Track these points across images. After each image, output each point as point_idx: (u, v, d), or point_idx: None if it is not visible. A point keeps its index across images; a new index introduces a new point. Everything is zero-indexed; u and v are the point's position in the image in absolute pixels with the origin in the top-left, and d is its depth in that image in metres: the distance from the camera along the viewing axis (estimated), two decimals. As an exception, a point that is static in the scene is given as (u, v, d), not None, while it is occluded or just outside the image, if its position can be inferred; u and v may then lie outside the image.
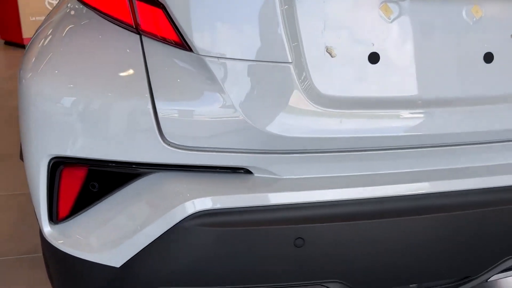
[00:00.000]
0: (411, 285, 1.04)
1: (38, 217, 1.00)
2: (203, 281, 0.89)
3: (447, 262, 1.00)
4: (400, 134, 0.93)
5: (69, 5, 1.02)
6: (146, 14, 0.86)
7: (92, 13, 0.93)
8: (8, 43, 7.68)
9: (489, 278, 1.07)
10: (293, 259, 0.88)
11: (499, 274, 1.08)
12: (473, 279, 1.05)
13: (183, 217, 0.85)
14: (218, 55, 0.85)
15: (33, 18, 7.19)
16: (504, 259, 1.03)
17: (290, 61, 0.86)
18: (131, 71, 0.87)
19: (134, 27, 0.87)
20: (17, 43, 7.39)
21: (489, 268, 1.04)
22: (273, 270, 0.89)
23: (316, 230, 0.87)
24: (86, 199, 0.95)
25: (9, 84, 4.92)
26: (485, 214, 0.97)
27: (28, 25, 7.17)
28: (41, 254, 1.77)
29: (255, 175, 0.91)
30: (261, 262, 0.88)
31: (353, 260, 0.92)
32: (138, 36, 0.88)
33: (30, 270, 1.70)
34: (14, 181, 2.43)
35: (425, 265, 0.99)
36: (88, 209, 0.95)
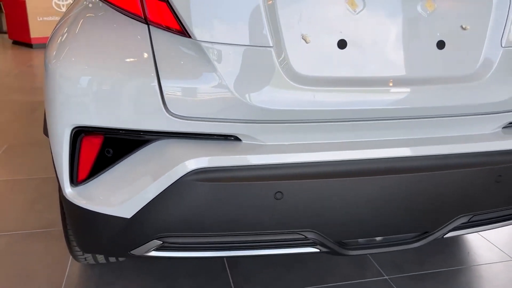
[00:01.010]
0: (377, 238, 1.21)
1: (60, 181, 1.17)
2: (198, 228, 1.07)
3: (409, 218, 1.18)
4: (364, 108, 1.11)
5: (86, 1, 1.20)
6: (153, 7, 1.04)
7: (106, 7, 1.11)
8: (16, 42, 7.90)
9: (445, 234, 1.24)
10: (273, 210, 1.05)
11: (454, 232, 1.25)
12: (431, 234, 1.23)
13: (184, 174, 1.02)
14: (212, 41, 1.03)
15: (41, 19, 7.40)
16: (456, 217, 1.20)
17: (271, 45, 1.04)
18: (140, 55, 1.05)
19: (143, 18, 1.05)
20: (25, 43, 7.60)
21: (445, 225, 1.21)
22: (257, 219, 1.07)
23: (293, 186, 1.04)
24: (102, 164, 1.13)
25: (18, 82, 5.12)
26: (439, 177, 1.14)
27: (35, 25, 7.39)
28: (55, 228, 1.96)
29: (243, 141, 1.10)
30: (247, 212, 1.05)
31: (326, 213, 1.10)
32: (146, 25, 1.06)
33: (46, 243, 1.88)
34: (31, 167, 2.62)
35: (389, 220, 1.16)
36: (103, 172, 1.13)
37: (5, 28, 8.47)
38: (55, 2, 7.50)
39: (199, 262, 1.76)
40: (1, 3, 8.69)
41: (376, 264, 1.81)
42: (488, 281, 1.76)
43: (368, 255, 1.88)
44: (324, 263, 1.79)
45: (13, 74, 5.45)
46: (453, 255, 1.90)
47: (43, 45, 7.76)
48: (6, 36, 8.37)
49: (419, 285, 1.69)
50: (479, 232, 2.08)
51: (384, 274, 1.75)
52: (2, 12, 8.84)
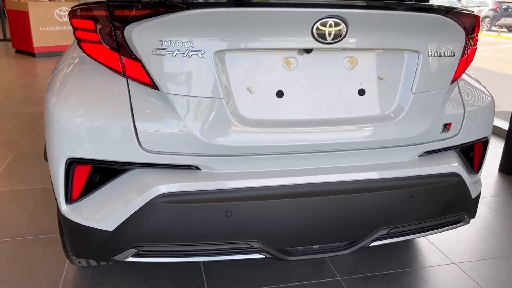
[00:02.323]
0: (314, 246, 1.48)
1: (57, 200, 1.45)
2: (166, 239, 1.35)
3: (340, 230, 1.46)
4: (299, 144, 1.40)
5: (76, 54, 1.48)
6: (129, 65, 1.32)
7: (94, 61, 1.39)
8: (19, 51, 8.19)
9: (370, 243, 1.51)
10: (225, 225, 1.33)
11: (377, 241, 1.53)
12: (359, 243, 1.50)
13: (153, 196, 1.31)
14: (175, 93, 1.31)
15: (43, 29, 7.69)
16: (378, 229, 1.48)
17: (222, 96, 1.32)
18: (120, 102, 1.33)
19: (122, 73, 1.33)
20: (28, 52, 7.89)
21: (369, 235, 1.49)
22: (212, 232, 1.35)
23: (239, 206, 1.33)
24: (90, 187, 1.41)
25: (22, 92, 5.38)
26: (363, 197, 1.43)
27: (38, 35, 7.67)
28: (53, 235, 2.23)
29: (202, 170, 1.38)
30: (204, 227, 1.34)
31: (268, 227, 1.38)
32: (125, 79, 1.34)
33: (46, 248, 2.16)
34: (31, 177, 2.90)
35: (323, 232, 1.44)
36: (91, 193, 1.41)
37: (9, 36, 8.76)
38: (57, 13, 7.78)
39: (177, 266, 2.04)
40: (5, 10, 8.99)
41: (332, 267, 2.09)
42: (429, 282, 2.03)
43: (326, 259, 2.16)
44: (287, 265, 2.07)
45: (17, 85, 5.71)
46: (401, 259, 2.17)
47: (46, 54, 8.12)
48: (10, 44, 8.66)
49: (367, 285, 1.96)
50: (427, 237, 2.36)
51: (338, 276, 2.02)
52: (6, 18, 9.12)
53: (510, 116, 3.27)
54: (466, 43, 1.55)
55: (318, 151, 1.41)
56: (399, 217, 1.48)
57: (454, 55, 1.51)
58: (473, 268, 2.11)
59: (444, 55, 1.48)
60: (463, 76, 1.71)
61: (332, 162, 1.45)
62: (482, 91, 1.74)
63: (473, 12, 1.57)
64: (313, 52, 1.37)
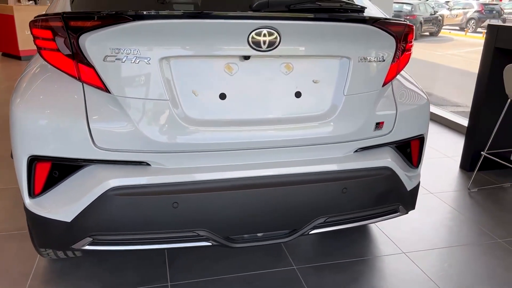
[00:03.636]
0: (258, 234, 1.63)
1: (22, 194, 1.58)
2: (117, 229, 1.49)
3: (280, 219, 1.60)
4: (241, 141, 1.54)
5: (39, 61, 1.61)
6: (84, 71, 1.45)
7: (54, 68, 1.52)
8: (5, 54, 8.26)
9: (310, 231, 1.66)
10: (172, 215, 1.47)
11: (316, 229, 1.67)
12: (298, 231, 1.65)
13: (106, 190, 1.44)
14: (126, 96, 1.45)
15: (28, 33, 7.78)
16: (315, 219, 1.63)
17: (167, 99, 1.46)
18: (76, 104, 1.47)
19: (78, 78, 1.47)
20: (14, 55, 7.97)
21: (307, 224, 1.64)
22: (161, 222, 1.49)
23: (185, 198, 1.47)
24: (50, 182, 1.54)
25: (7, 95, 5.47)
26: (302, 189, 1.57)
27: (24, 39, 7.75)
28: (27, 231, 2.33)
29: (152, 166, 1.52)
30: (153, 217, 1.48)
31: (213, 217, 1.52)
32: (80, 83, 1.47)
33: (20, 242, 2.28)
34: (8, 177, 3.02)
35: (266, 221, 1.59)
36: (52, 188, 1.54)
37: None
38: (42, 17, 7.88)
39: (142, 258, 2.17)
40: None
41: (289, 256, 2.23)
42: (379, 270, 2.18)
43: (284, 248, 2.30)
44: (246, 255, 2.21)
45: (2, 88, 5.79)
46: (355, 249, 2.32)
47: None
48: (-5, 47, 8.73)
49: (319, 273, 2.11)
50: (381, 229, 2.52)
51: (293, 264, 2.17)
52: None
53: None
54: (397, 49, 1.70)
55: (258, 147, 1.56)
56: (334, 207, 1.63)
57: (384, 60, 1.66)
58: (421, 257, 2.27)
59: (374, 61, 1.63)
60: (400, 78, 1.87)
61: (272, 157, 1.59)
62: (417, 93, 1.90)
63: (403, 21, 1.73)
64: (251, 58, 1.51)
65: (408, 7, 16.86)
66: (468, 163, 3.44)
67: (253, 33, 1.44)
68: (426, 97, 1.92)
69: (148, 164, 1.52)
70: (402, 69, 1.79)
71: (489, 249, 2.37)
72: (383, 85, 1.70)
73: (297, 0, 1.54)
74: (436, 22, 18.02)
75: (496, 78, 3.13)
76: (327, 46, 1.56)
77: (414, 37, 1.83)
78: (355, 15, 1.64)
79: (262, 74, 1.55)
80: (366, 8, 1.72)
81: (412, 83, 1.95)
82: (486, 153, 3.09)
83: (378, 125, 1.70)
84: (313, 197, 1.59)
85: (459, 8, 21.07)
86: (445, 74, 9.68)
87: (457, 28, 19.98)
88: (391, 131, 1.75)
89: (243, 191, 1.51)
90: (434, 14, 18.36)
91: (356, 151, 1.72)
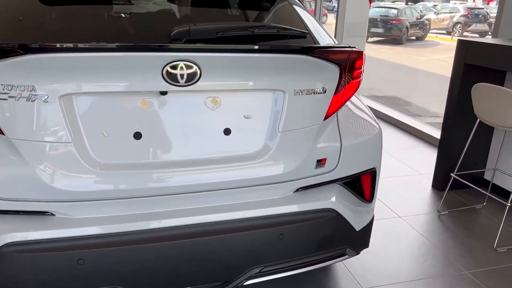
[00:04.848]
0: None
1: None
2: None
3: (209, 271, 1.43)
4: (158, 186, 1.36)
5: None
6: None
7: None
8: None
9: (243, 282, 1.49)
10: (78, 274, 1.29)
11: (251, 279, 1.51)
12: (231, 283, 1.48)
13: (0, 245, 1.25)
14: (21, 138, 1.27)
15: None
16: (249, 269, 1.46)
17: (70, 141, 1.29)
18: None
19: None
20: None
21: (240, 275, 1.47)
22: (66, 282, 1.30)
23: (93, 253, 1.29)
24: None
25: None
26: (232, 237, 1.40)
27: None
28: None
29: (57, 216, 1.33)
30: (56, 277, 1.29)
31: (127, 274, 1.34)
32: None
33: None
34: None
35: (192, 274, 1.41)
36: None
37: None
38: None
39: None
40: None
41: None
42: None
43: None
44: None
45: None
46: (312, 282, 2.16)
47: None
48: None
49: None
50: (343, 262, 2.37)
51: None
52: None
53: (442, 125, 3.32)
54: (341, 79, 1.55)
55: (180, 192, 1.38)
56: (270, 255, 1.46)
57: (325, 92, 1.50)
58: (380, 293, 2.12)
59: (313, 93, 1.47)
60: (349, 107, 1.71)
61: (197, 203, 1.41)
62: (368, 122, 1.75)
63: (349, 46, 1.57)
64: (171, 93, 1.34)
65: (394, 11, 16.83)
66: (440, 183, 3.31)
67: (167, 67, 1.27)
68: (378, 126, 1.77)
69: (52, 214, 1.34)
70: (348, 99, 1.63)
71: (455, 282, 2.23)
72: (325, 119, 1.54)
73: (225, 27, 1.38)
74: (422, 27, 18.03)
75: (466, 96, 2.99)
76: (258, 79, 1.39)
77: (363, 63, 1.68)
78: (289, 45, 1.47)
79: (184, 110, 1.37)
80: (308, 33, 1.56)
81: (363, 111, 1.80)
82: (455, 174, 2.95)
83: (320, 162, 1.54)
84: (245, 246, 1.42)
85: (446, 12, 21.15)
86: (427, 81, 9.60)
87: (444, 32, 20.05)
88: (335, 168, 1.59)
89: (163, 243, 1.34)
90: (421, 18, 18.38)
91: (296, 191, 1.55)
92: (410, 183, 3.44)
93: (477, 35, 17.72)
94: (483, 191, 2.87)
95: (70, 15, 1.51)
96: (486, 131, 3.18)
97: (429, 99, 7.35)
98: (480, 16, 20.57)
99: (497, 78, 3.08)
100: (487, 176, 3.30)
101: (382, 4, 20.85)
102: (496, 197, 2.85)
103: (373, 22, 16.64)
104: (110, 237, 1.31)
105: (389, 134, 4.71)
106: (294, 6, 1.77)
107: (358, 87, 1.68)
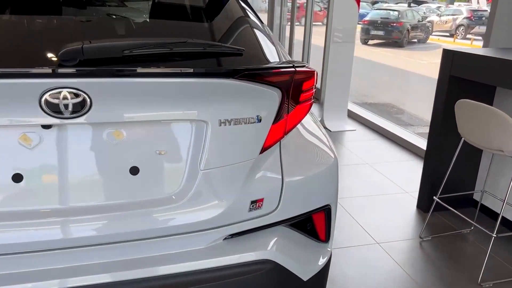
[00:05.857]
0: None
1: None
2: None
3: None
4: (44, 239, 1.10)
5: None
6: None
7: None
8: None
9: None
10: None
11: None
12: None
13: None
14: None
15: None
16: None
17: None
18: None
19: None
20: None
21: None
22: None
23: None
24: None
25: None
26: None
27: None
28: None
29: None
30: None
31: None
32: None
33: None
34: None
35: None
36: None
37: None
38: None
39: None
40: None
41: None
42: None
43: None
44: None
45: None
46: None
47: None
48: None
49: None
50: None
51: None
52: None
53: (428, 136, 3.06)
54: (283, 104, 1.30)
55: (75, 246, 1.13)
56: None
57: (260, 121, 1.25)
58: None
59: (245, 123, 1.22)
60: (298, 133, 1.45)
61: (96, 258, 1.16)
62: (322, 151, 1.49)
63: (292, 66, 1.32)
64: (57, 127, 1.10)
65: (395, 14, 16.51)
66: (425, 203, 3.04)
67: (46, 96, 1.02)
68: (333, 156, 1.51)
69: None
70: (294, 126, 1.38)
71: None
72: (262, 152, 1.29)
73: (134, 43, 1.13)
74: (424, 29, 17.68)
75: (452, 112, 2.73)
76: (172, 108, 1.14)
77: (315, 82, 1.43)
78: (212, 68, 1.22)
79: (76, 145, 1.12)
80: (244, 50, 1.30)
81: (317, 137, 1.53)
82: (439, 197, 2.69)
83: (256, 204, 1.28)
84: None
85: (449, 15, 20.79)
86: (423, 87, 9.28)
87: (447, 34, 19.69)
88: (276, 209, 1.33)
89: None
90: (422, 20, 18.04)
91: (226, 238, 1.30)
92: (393, 203, 3.18)
93: (480, 38, 17.37)
94: (468, 219, 2.59)
95: None
96: (475, 149, 2.92)
97: (423, 106, 7.05)
98: (484, 18, 20.20)
99: (486, 93, 2.81)
100: (476, 196, 3.04)
101: (384, 6, 20.52)
102: (483, 225, 2.59)
103: (373, 25, 16.35)
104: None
105: (376, 146, 4.44)
106: (241, 16, 1.51)
107: (308, 110, 1.43)
